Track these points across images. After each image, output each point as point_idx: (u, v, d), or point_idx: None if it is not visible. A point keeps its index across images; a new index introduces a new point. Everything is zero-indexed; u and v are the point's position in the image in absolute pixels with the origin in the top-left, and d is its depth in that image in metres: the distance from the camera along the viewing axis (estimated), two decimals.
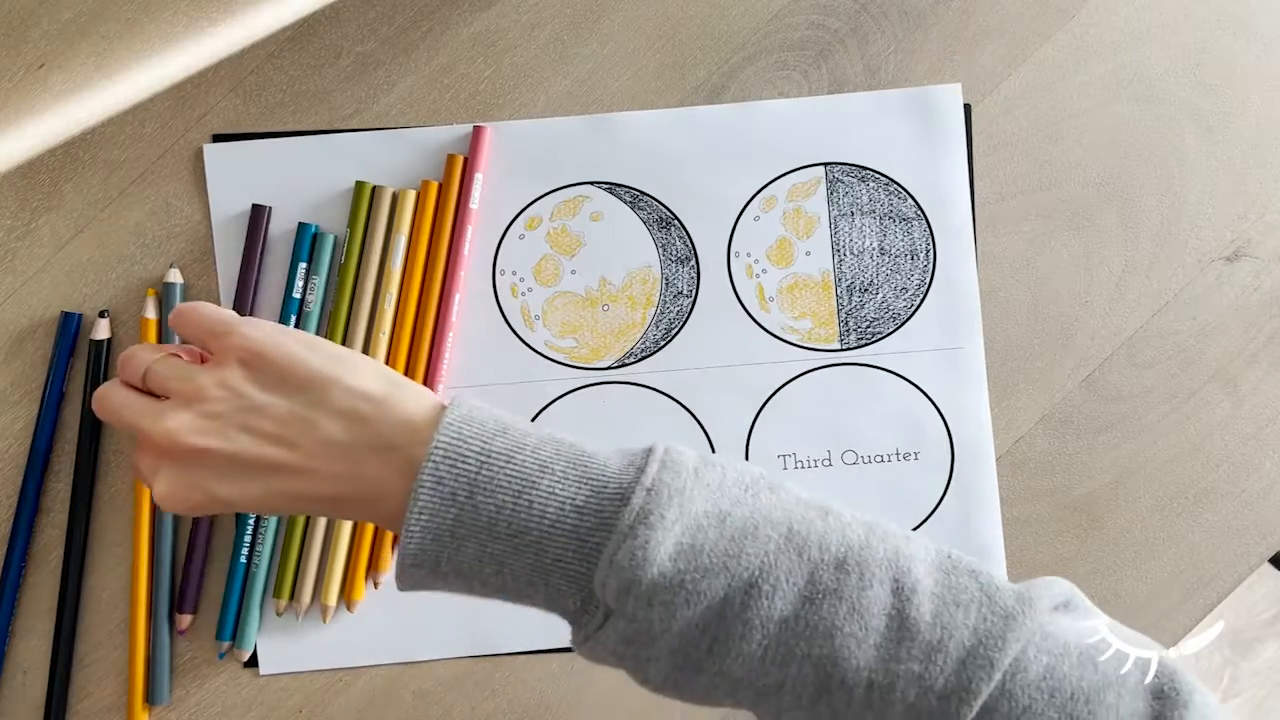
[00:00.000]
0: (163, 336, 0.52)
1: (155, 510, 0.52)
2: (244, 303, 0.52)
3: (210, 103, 0.53)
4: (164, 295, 0.52)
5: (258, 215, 0.52)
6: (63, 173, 0.52)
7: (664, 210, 0.53)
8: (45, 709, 0.51)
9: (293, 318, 0.52)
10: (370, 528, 0.52)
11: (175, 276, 0.52)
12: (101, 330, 0.52)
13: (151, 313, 0.52)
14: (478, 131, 0.52)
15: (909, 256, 0.53)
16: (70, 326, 0.51)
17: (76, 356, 0.52)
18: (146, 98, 0.53)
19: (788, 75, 0.54)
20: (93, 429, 0.51)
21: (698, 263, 0.53)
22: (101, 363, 0.51)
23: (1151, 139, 0.54)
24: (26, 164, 0.52)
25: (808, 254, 0.53)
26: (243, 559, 0.51)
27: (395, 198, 0.52)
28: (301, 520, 0.52)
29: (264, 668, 0.52)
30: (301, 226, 0.52)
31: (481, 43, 0.53)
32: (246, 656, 0.52)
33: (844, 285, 0.53)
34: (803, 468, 0.53)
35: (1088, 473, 0.54)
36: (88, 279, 0.53)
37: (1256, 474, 0.54)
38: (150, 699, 0.52)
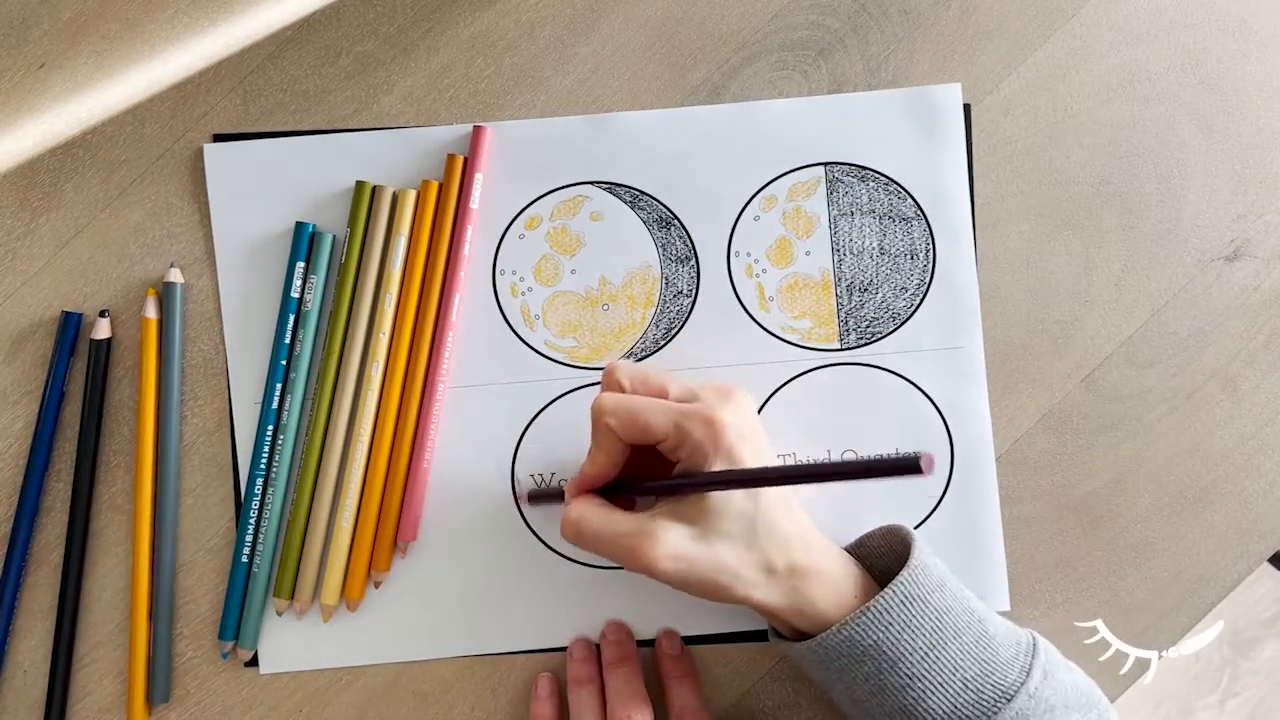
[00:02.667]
0: (163, 336, 0.52)
1: (156, 510, 0.52)
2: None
3: (210, 103, 0.53)
4: (164, 295, 0.52)
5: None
6: (63, 173, 0.53)
7: (664, 210, 0.53)
8: (45, 708, 0.51)
9: (291, 317, 0.52)
10: (370, 529, 0.52)
11: (175, 276, 0.52)
12: (102, 330, 0.52)
13: (152, 312, 0.52)
14: (478, 131, 0.52)
15: (909, 256, 0.53)
16: (70, 326, 0.51)
17: (77, 356, 0.52)
18: (146, 98, 0.53)
19: (788, 75, 0.54)
20: (93, 429, 0.51)
21: (698, 262, 0.53)
22: (101, 362, 0.52)
23: (1151, 139, 0.54)
24: (27, 164, 0.52)
25: (807, 254, 0.53)
26: (244, 559, 0.51)
27: (395, 197, 0.52)
28: (302, 520, 0.52)
29: (264, 667, 0.52)
30: (299, 226, 0.52)
31: (481, 43, 0.53)
32: (249, 656, 0.52)
33: (844, 285, 0.53)
34: None
35: (1087, 472, 0.54)
36: (88, 279, 0.53)
37: (1256, 473, 0.54)
38: (150, 698, 0.52)
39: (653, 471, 0.47)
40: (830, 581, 0.44)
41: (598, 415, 0.45)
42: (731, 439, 0.43)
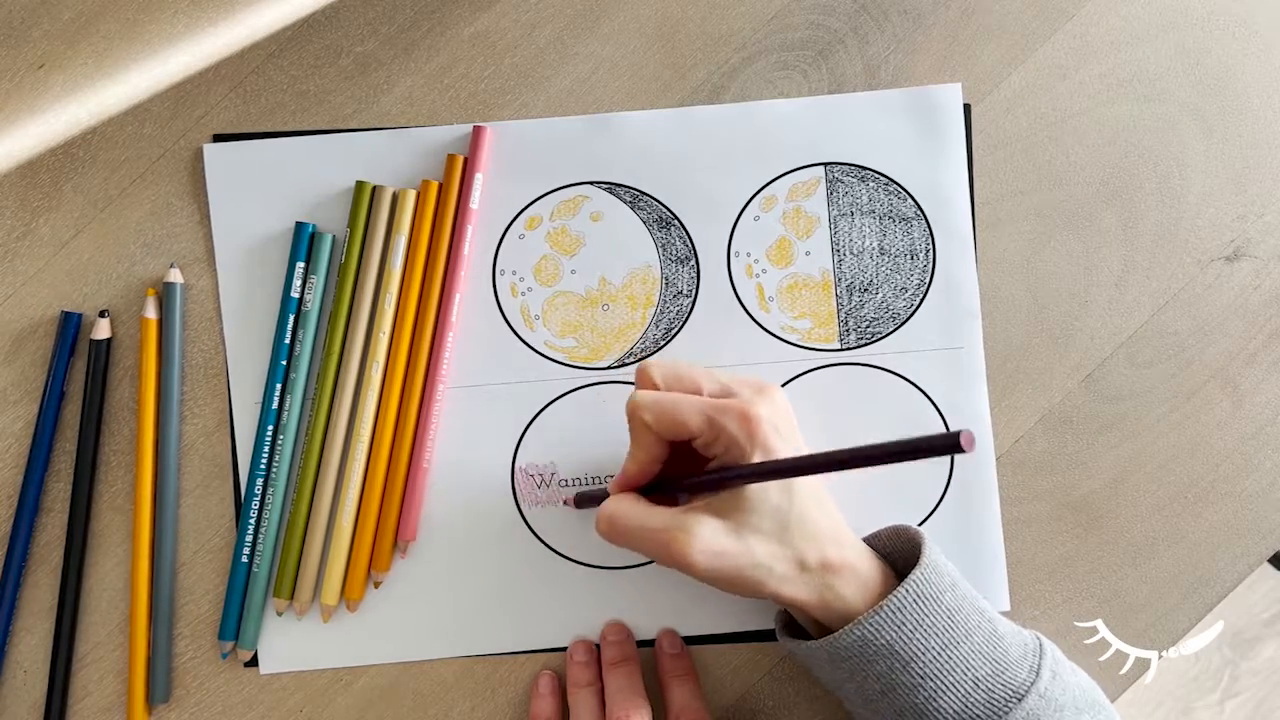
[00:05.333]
0: (163, 336, 0.52)
1: (156, 509, 0.52)
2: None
3: (210, 103, 0.53)
4: (164, 295, 0.52)
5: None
6: (63, 173, 0.53)
7: (664, 210, 0.53)
8: (45, 708, 0.51)
9: (291, 317, 0.52)
10: (370, 529, 0.52)
11: (175, 276, 0.52)
12: (102, 330, 0.52)
13: (152, 313, 0.52)
14: (478, 131, 0.52)
15: (909, 256, 0.53)
16: (70, 326, 0.51)
17: (77, 356, 0.52)
18: (146, 98, 0.53)
19: (788, 75, 0.54)
20: (93, 429, 0.51)
21: (697, 262, 0.53)
22: (101, 362, 0.52)
23: (1151, 139, 0.54)
24: (26, 164, 0.52)
25: (807, 254, 0.53)
26: (244, 559, 0.51)
27: (395, 197, 0.52)
28: (302, 520, 0.52)
29: (264, 667, 0.52)
30: (299, 226, 0.52)
31: (481, 43, 0.53)
32: (249, 656, 0.52)
33: (844, 285, 0.53)
34: None
35: (1087, 473, 0.54)
36: (88, 279, 0.53)
37: (1256, 473, 0.54)
38: (150, 698, 0.52)
39: (694, 470, 0.47)
40: (860, 578, 0.44)
41: (633, 412, 0.45)
42: (767, 432, 0.43)
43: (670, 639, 0.52)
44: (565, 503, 0.53)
